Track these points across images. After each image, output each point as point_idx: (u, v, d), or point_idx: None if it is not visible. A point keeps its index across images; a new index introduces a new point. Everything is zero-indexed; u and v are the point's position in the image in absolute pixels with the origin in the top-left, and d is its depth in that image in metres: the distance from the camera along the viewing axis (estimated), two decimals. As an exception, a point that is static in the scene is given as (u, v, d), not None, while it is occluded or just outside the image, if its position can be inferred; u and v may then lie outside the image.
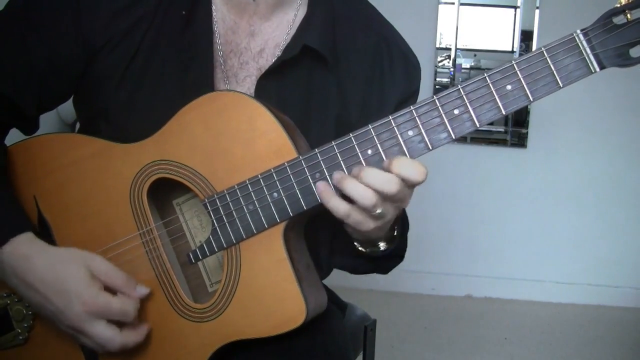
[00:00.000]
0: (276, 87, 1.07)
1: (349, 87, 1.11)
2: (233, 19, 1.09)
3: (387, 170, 0.89)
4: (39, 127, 1.14)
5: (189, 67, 1.06)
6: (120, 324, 0.96)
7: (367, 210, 0.90)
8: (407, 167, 0.88)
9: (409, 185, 0.90)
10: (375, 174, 0.88)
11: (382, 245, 1.04)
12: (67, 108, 1.22)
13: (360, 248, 1.05)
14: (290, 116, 1.04)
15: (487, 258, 3.54)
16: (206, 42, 1.07)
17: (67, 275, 0.93)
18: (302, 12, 1.11)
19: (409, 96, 1.16)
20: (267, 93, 1.06)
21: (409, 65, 1.16)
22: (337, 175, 0.91)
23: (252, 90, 1.08)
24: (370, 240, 1.03)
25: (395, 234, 1.05)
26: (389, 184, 0.88)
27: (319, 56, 1.07)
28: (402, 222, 1.07)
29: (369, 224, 0.92)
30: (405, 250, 1.11)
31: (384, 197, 0.89)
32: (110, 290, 0.96)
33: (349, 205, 0.90)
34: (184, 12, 1.05)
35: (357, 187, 0.89)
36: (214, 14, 1.09)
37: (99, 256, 0.97)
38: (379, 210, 0.89)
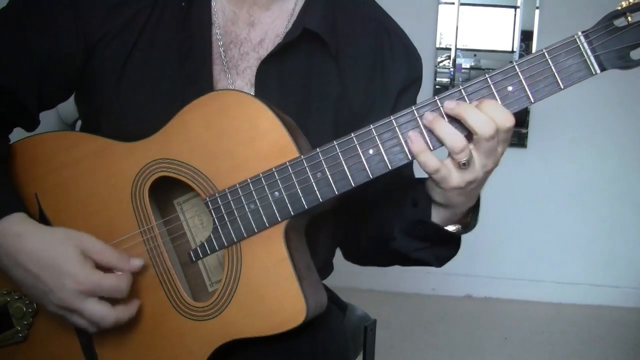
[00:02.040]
0: (276, 71, 1.07)
1: (350, 72, 1.11)
2: (232, 9, 1.10)
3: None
4: (40, 122, 1.14)
5: (188, 59, 1.06)
6: (112, 301, 0.96)
7: (454, 155, 0.89)
8: (498, 110, 0.88)
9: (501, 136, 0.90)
10: (475, 113, 0.88)
11: (453, 227, 1.04)
12: (67, 108, 1.22)
13: (445, 227, 1.04)
14: (291, 100, 1.05)
15: (487, 258, 3.54)
16: (205, 33, 1.07)
17: (60, 254, 0.94)
18: (301, 1, 1.11)
19: (412, 83, 1.16)
20: (268, 78, 1.07)
21: (409, 53, 1.16)
22: (429, 116, 0.90)
23: (252, 81, 1.08)
24: (449, 218, 1.02)
25: (469, 219, 1.05)
26: (487, 124, 0.88)
27: (319, 40, 1.08)
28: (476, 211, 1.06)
29: (453, 179, 0.91)
30: (460, 242, 1.10)
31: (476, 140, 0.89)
32: (103, 268, 0.96)
33: (439, 161, 0.90)
34: (183, 4, 1.06)
35: (448, 129, 0.89)
36: (213, 5, 1.09)
37: (90, 235, 0.97)
38: (465, 158, 0.89)
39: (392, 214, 1.09)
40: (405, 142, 0.92)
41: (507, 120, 0.88)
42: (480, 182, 0.95)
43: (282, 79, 1.08)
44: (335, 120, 1.11)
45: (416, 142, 0.91)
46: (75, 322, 0.97)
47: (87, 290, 0.93)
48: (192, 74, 1.06)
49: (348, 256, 1.26)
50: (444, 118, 0.90)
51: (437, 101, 0.90)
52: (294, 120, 1.00)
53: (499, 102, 0.89)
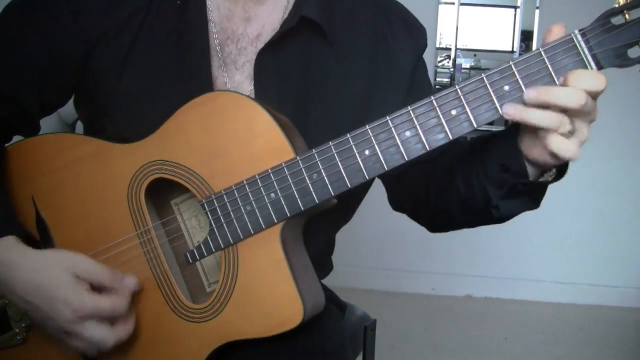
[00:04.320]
0: (274, 61, 1.07)
1: (349, 57, 1.11)
2: (227, 6, 1.10)
3: (566, 85, 0.85)
4: (40, 128, 1.14)
5: (186, 57, 1.06)
6: (110, 320, 0.95)
7: (559, 131, 0.86)
8: (588, 78, 0.84)
9: (593, 97, 0.86)
10: (557, 91, 0.84)
11: (551, 173, 0.99)
12: (67, 108, 1.22)
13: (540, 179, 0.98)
14: (290, 88, 1.04)
15: (487, 258, 3.55)
16: (201, 31, 1.07)
17: (52, 281, 0.92)
18: None
19: (419, 55, 1.17)
20: (266, 68, 1.07)
21: (411, 27, 1.16)
22: (510, 109, 0.87)
23: (252, 75, 1.08)
24: (543, 171, 0.97)
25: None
26: (574, 96, 0.84)
27: (317, 28, 1.08)
28: None
29: (573, 152, 0.87)
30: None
31: (572, 112, 0.85)
32: (98, 288, 0.95)
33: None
34: (178, 2, 1.06)
35: (538, 114, 0.85)
36: (208, 2, 1.09)
37: (81, 255, 0.96)
38: (569, 127, 0.86)
39: (483, 187, 1.03)
40: (399, 144, 0.90)
41: (600, 83, 0.84)
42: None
43: (281, 68, 1.08)
44: (337, 106, 1.10)
45: (515, 111, 0.87)
46: (74, 345, 0.95)
47: (84, 314, 0.92)
48: (190, 71, 1.06)
49: (437, 229, 1.22)
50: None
51: (433, 101, 0.90)
52: (295, 108, 0.99)
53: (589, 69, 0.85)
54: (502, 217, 1.04)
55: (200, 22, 1.07)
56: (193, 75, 1.06)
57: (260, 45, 1.08)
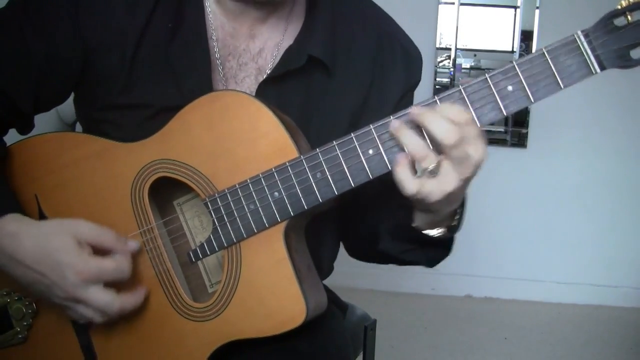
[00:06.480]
0: (276, 92, 1.07)
1: (349, 87, 1.11)
2: (233, 25, 1.10)
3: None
4: (34, 126, 1.14)
5: (187, 75, 1.06)
6: (117, 288, 0.96)
7: (419, 163, 0.88)
8: (452, 109, 0.87)
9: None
10: (435, 120, 0.87)
11: (439, 231, 1.01)
12: (67, 108, 1.21)
13: (424, 231, 1.01)
14: (289, 115, 1.03)
15: (487, 258, 3.54)
16: (202, 49, 1.07)
17: (56, 247, 0.94)
18: (299, 8, 1.12)
19: (410, 89, 1.17)
20: (267, 97, 1.06)
21: (410, 58, 1.16)
22: (396, 123, 0.90)
23: (251, 89, 1.08)
24: (432, 221, 1.00)
25: (454, 223, 1.01)
26: (449, 131, 0.86)
27: (320, 62, 1.08)
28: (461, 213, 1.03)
29: (434, 196, 0.88)
30: (452, 244, 1.06)
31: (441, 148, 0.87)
32: (102, 252, 0.96)
33: (419, 181, 0.89)
34: (170, 25, 1.05)
35: (410, 137, 0.89)
36: (211, 22, 1.09)
37: (83, 221, 0.97)
38: (431, 165, 0.87)
39: (381, 215, 1.08)
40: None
41: (458, 115, 0.87)
42: (461, 189, 0.91)
43: (281, 99, 1.07)
44: (335, 134, 1.10)
45: (401, 163, 0.90)
46: (82, 313, 0.97)
47: (89, 277, 0.94)
48: (192, 88, 1.06)
49: (350, 253, 1.25)
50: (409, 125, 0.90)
51: (437, 101, 0.90)
52: None
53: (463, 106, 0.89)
54: (387, 255, 1.08)
55: (200, 41, 1.07)
56: (195, 92, 1.05)
57: (261, 61, 1.09)
